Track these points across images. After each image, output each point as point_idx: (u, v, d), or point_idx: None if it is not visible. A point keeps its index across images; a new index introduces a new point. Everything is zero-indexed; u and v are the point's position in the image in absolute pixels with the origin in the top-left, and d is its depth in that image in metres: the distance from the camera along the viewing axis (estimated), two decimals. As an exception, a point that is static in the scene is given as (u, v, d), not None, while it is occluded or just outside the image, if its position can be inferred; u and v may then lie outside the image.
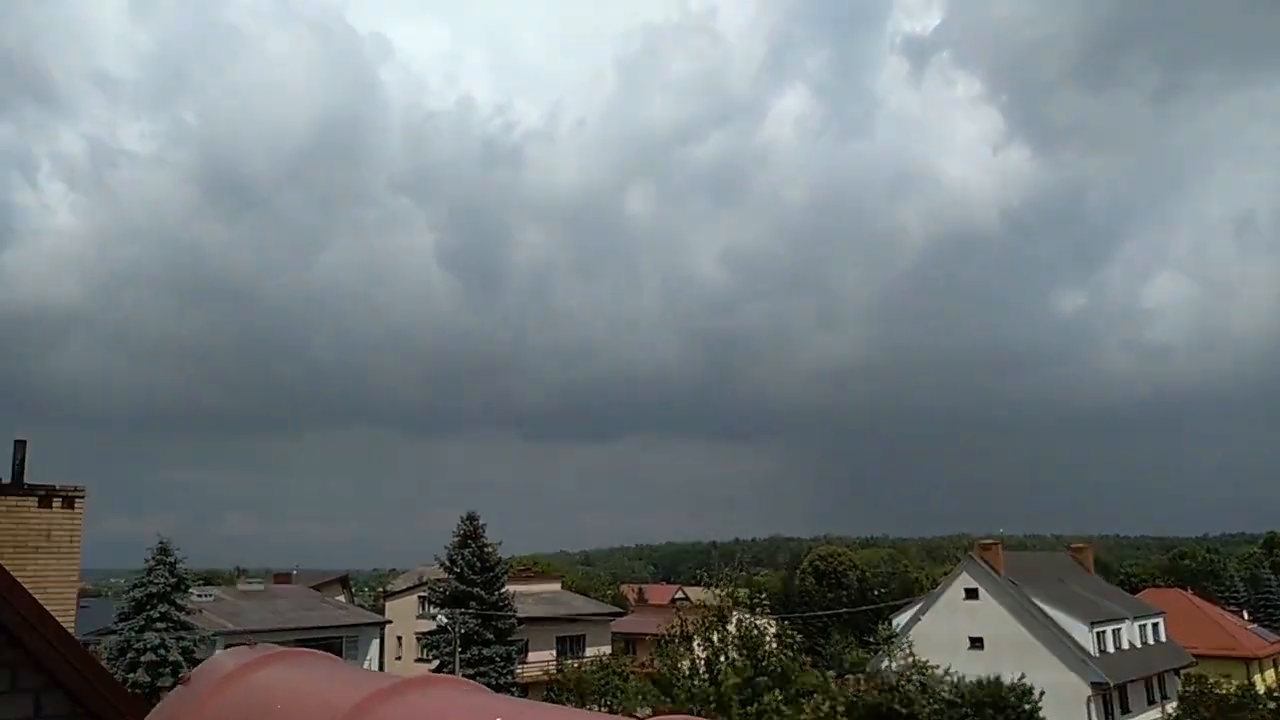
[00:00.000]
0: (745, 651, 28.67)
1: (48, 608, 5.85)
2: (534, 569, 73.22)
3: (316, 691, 2.41)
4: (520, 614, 47.37)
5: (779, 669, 28.46)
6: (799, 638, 32.95)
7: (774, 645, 29.64)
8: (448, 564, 46.24)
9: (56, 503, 10.20)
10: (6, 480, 9.93)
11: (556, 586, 63.09)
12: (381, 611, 59.04)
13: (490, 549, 46.74)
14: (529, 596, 53.73)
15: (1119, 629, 48.57)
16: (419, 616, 52.77)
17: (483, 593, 45.14)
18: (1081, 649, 44.68)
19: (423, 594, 52.77)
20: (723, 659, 28.77)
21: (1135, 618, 50.80)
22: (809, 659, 38.45)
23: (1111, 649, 46.92)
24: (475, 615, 44.09)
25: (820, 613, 69.15)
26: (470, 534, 46.81)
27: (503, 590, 46.62)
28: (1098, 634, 45.98)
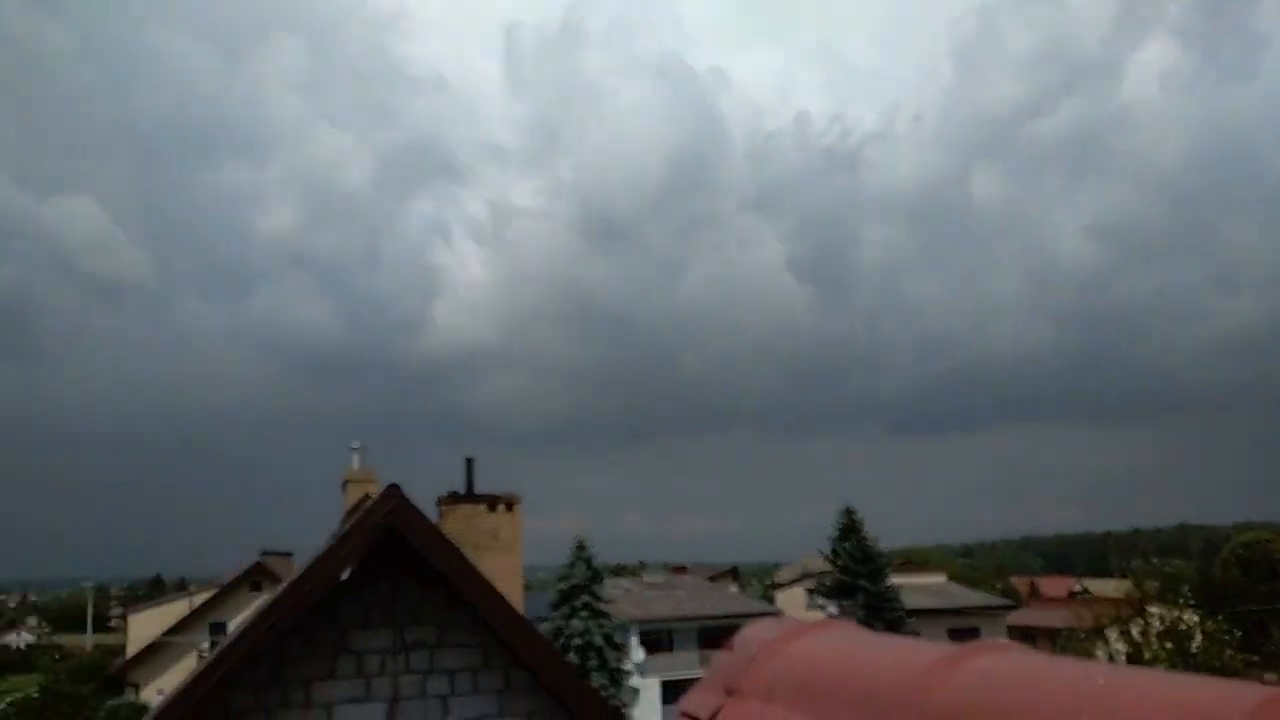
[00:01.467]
0: (1173, 647, 26.23)
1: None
2: (914, 561, 71.66)
3: (875, 657, 2.59)
4: (908, 606, 46.78)
5: (1216, 667, 25.66)
6: (1236, 634, 29.36)
7: (1206, 642, 26.77)
8: (830, 556, 46.82)
9: (500, 508, 11.87)
10: (461, 491, 11.81)
11: (942, 578, 61.20)
12: (771, 602, 61.18)
13: (871, 541, 46.68)
14: (915, 588, 52.83)
15: None
16: (808, 608, 53.91)
17: (868, 584, 45.18)
18: None
19: (809, 585, 53.87)
20: (1146, 655, 26.53)
21: None
22: (1252, 658, 34.00)
23: None
24: (864, 606, 44.24)
25: (1257, 609, 60.25)
26: (850, 527, 47.07)
27: (888, 582, 46.34)
28: None
